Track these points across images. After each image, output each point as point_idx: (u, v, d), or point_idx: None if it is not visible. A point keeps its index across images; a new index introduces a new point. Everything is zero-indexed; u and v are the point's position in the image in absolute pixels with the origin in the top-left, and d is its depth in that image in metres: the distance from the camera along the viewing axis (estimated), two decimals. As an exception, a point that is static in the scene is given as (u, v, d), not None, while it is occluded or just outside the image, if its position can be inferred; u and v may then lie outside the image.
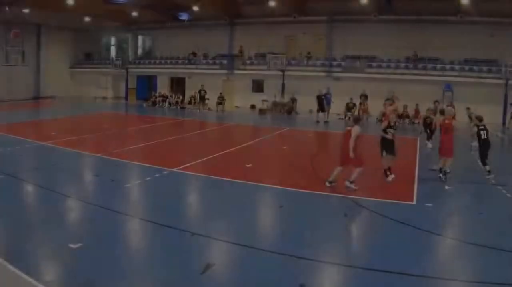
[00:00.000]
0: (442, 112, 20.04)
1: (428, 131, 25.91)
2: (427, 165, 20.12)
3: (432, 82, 43.80)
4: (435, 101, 28.86)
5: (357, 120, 16.22)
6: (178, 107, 50.44)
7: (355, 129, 15.43)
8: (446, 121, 18.04)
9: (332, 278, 9.51)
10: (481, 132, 18.28)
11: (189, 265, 9.44)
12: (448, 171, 17.85)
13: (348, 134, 15.61)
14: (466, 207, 15.32)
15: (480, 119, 18.85)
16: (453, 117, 19.37)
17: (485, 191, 16.93)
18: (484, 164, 18.12)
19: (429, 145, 25.44)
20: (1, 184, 15.71)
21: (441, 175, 17.75)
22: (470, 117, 23.95)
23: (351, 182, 15.71)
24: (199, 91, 47.64)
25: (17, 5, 47.06)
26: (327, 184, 16.07)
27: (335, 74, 47.73)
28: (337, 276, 9.56)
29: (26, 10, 47.99)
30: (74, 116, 41.06)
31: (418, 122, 38.52)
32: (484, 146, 18.17)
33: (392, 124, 17.87)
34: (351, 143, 15.22)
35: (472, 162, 20.59)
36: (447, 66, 45.36)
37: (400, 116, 39.07)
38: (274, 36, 52.12)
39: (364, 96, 42.11)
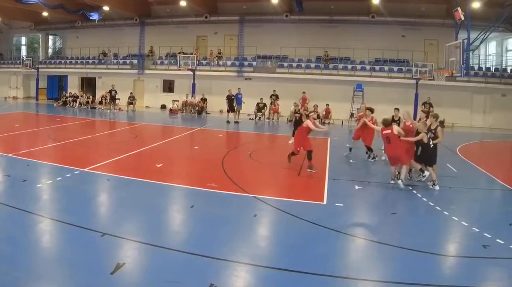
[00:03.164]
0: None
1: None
2: (337, 165, 19.43)
3: (343, 82, 42.21)
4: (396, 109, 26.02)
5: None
6: (89, 107, 46.77)
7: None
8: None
9: (241, 277, 8.85)
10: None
11: (99, 265, 8.78)
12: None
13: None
14: (377, 207, 14.51)
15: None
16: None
17: (395, 192, 15.89)
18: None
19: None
20: None
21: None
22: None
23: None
24: (110, 91, 44.50)
25: None
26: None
27: (246, 74, 45.57)
28: (247, 275, 9.00)
29: None
30: (-17, 116, 38.08)
31: (329, 122, 38.99)
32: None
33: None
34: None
35: (384, 162, 19.81)
36: (358, 66, 43.68)
37: (308, 116, 37.59)
38: (186, 36, 49.79)
39: (275, 96, 40.88)
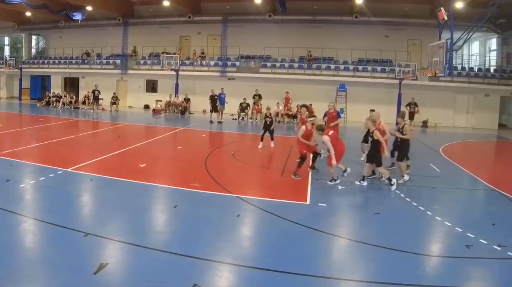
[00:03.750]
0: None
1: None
2: (320, 165, 18.55)
3: (327, 82, 41.67)
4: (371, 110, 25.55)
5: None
6: (72, 107, 45.85)
7: None
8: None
9: (225, 277, 8.74)
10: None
11: (82, 265, 8.61)
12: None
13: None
14: (360, 207, 14.59)
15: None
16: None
17: (378, 192, 15.89)
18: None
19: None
20: None
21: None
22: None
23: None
24: (93, 91, 43.74)
25: None
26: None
27: (230, 74, 44.94)
28: (230, 275, 8.89)
29: None
30: (-34, 116, 37.58)
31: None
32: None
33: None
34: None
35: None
36: (342, 66, 43.08)
37: (294, 116, 38.55)
38: (169, 36, 49.13)
39: (258, 96, 40.19)
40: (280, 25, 45.18)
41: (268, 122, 23.57)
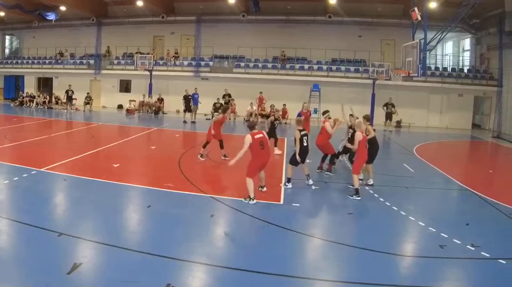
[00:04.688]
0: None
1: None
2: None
3: (300, 82, 41.36)
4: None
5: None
6: (46, 107, 44.88)
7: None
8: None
9: (198, 277, 8.71)
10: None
11: (56, 265, 8.50)
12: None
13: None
14: (334, 207, 14.36)
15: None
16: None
17: (351, 192, 15.11)
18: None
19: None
20: None
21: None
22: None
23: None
24: (67, 91, 42.69)
25: None
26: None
27: (203, 74, 44.09)
28: (203, 275, 8.86)
29: None
30: None
31: (286, 123, 37.52)
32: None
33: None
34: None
35: (343, 165, 19.77)
36: (315, 66, 42.42)
37: (267, 116, 37.15)
38: (142, 36, 48.15)
39: (228, 96, 39.87)
40: (253, 25, 44.20)
41: (276, 125, 22.11)
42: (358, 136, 14.61)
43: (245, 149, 13.43)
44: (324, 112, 19.13)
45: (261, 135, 13.83)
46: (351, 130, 17.29)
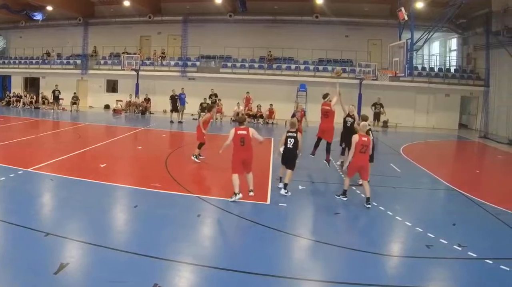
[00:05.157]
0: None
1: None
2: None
3: (287, 82, 40.87)
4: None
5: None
6: (33, 107, 44.47)
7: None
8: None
9: (185, 277, 8.67)
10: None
11: (43, 265, 8.44)
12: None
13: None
14: (320, 207, 14.19)
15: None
16: None
17: (338, 191, 15.00)
18: None
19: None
20: None
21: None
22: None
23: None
24: (53, 91, 42.17)
25: None
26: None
27: (190, 74, 43.63)
28: (190, 275, 8.82)
29: None
30: None
31: (272, 123, 37.57)
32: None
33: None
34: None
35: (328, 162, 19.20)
36: (302, 66, 41.99)
37: (254, 116, 37.85)
38: (129, 36, 47.51)
39: (214, 96, 39.17)
40: (240, 25, 43.77)
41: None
42: (355, 138, 14.10)
43: (227, 141, 13.73)
44: (325, 96, 18.57)
45: (244, 132, 13.74)
46: (349, 119, 17.74)
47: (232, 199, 13.29)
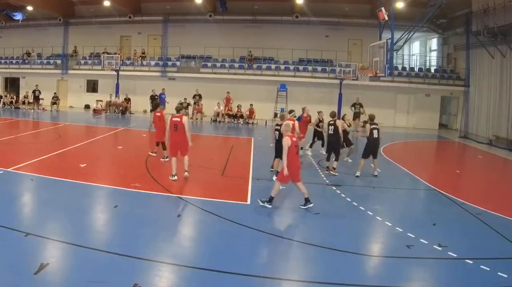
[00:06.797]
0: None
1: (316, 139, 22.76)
2: (261, 165, 18.94)
3: (267, 82, 40.03)
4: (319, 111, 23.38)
5: None
6: (13, 107, 42.93)
7: None
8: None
9: (165, 277, 8.50)
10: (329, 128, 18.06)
11: (23, 265, 8.29)
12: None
13: None
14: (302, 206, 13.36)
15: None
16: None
17: (320, 191, 15.44)
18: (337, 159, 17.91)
19: (309, 152, 22.30)
20: None
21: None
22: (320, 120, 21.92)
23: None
24: (34, 91, 41.36)
25: None
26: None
27: (170, 74, 42.61)
28: (170, 275, 8.68)
29: None
30: None
31: (253, 123, 37.04)
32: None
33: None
34: None
35: (310, 162, 20.06)
36: (282, 66, 41.09)
37: (234, 116, 37.22)
38: (109, 36, 46.11)
39: (198, 96, 38.52)
40: (220, 25, 42.83)
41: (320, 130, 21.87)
42: (287, 141, 12.70)
43: (167, 128, 15.52)
44: (290, 111, 18.50)
45: (177, 119, 15.17)
46: (330, 127, 18.06)
47: (171, 179, 14.93)
